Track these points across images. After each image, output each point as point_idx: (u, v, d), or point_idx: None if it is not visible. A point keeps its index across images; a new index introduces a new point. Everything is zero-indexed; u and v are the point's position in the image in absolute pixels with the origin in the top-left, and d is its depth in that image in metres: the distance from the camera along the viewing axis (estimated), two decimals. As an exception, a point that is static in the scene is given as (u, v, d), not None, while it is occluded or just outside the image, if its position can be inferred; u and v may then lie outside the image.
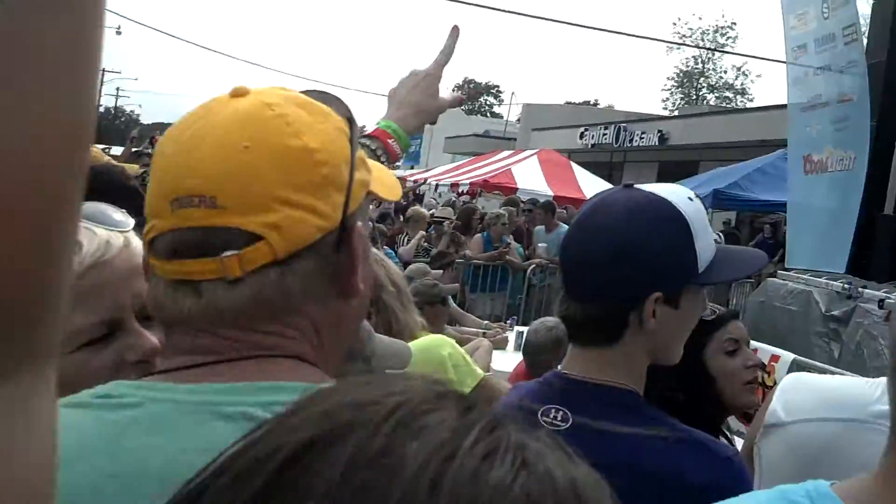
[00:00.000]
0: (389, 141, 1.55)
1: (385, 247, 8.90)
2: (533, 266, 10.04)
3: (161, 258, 0.89)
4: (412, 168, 28.36)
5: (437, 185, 18.90)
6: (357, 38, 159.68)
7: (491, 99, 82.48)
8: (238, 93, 0.94)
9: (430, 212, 12.19)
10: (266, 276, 0.87)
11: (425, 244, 9.70)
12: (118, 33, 46.07)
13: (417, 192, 20.00)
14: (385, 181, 1.10)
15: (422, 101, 1.63)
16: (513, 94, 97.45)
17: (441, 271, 6.78)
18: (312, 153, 0.90)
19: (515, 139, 32.60)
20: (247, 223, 0.86)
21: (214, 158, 0.88)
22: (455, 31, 1.70)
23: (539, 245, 10.36)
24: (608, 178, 19.32)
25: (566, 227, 6.17)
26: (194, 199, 0.86)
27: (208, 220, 0.86)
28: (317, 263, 0.91)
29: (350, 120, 0.98)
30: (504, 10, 15.41)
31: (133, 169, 5.84)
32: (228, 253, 0.86)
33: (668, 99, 61.39)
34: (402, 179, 19.68)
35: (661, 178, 20.67)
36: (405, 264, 7.70)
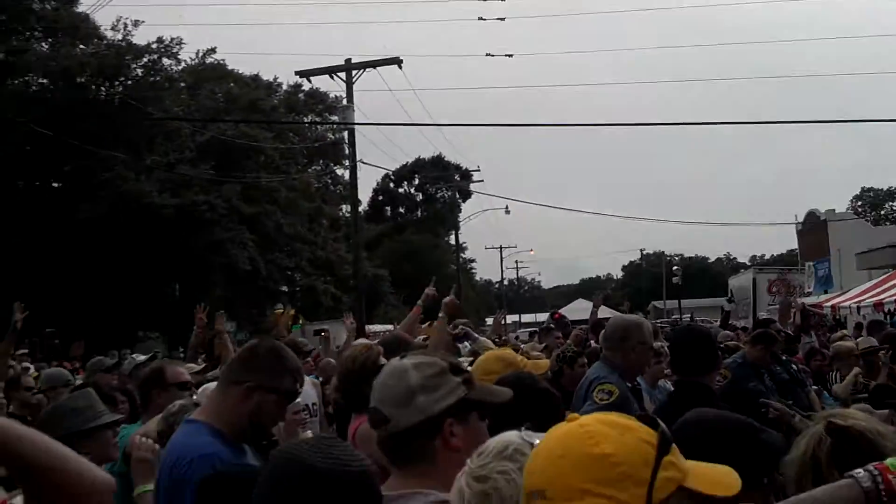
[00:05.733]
0: (889, 476, 1.67)
1: (814, 385, 8.28)
2: None
3: None
4: (825, 293, 25.63)
5: (858, 308, 18.43)
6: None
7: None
8: (570, 419, 1.42)
9: (857, 341, 10.13)
10: None
11: (862, 380, 8.50)
12: (507, 213, 56.18)
13: (832, 318, 18.83)
14: (711, 478, 1.41)
15: None
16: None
17: (886, 411, 5.34)
18: (608, 457, 1.32)
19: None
20: None
21: (544, 465, 1.37)
22: None
23: None
24: None
25: None
26: (535, 493, 1.36)
27: None
28: None
29: (663, 433, 1.37)
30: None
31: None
32: None
33: None
34: (818, 306, 19.42)
35: None
36: (842, 403, 7.52)
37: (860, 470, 1.72)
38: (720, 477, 1.47)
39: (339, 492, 1.56)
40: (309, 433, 4.42)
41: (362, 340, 5.56)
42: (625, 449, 1.34)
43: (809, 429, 2.27)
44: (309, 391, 6.54)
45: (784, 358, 7.32)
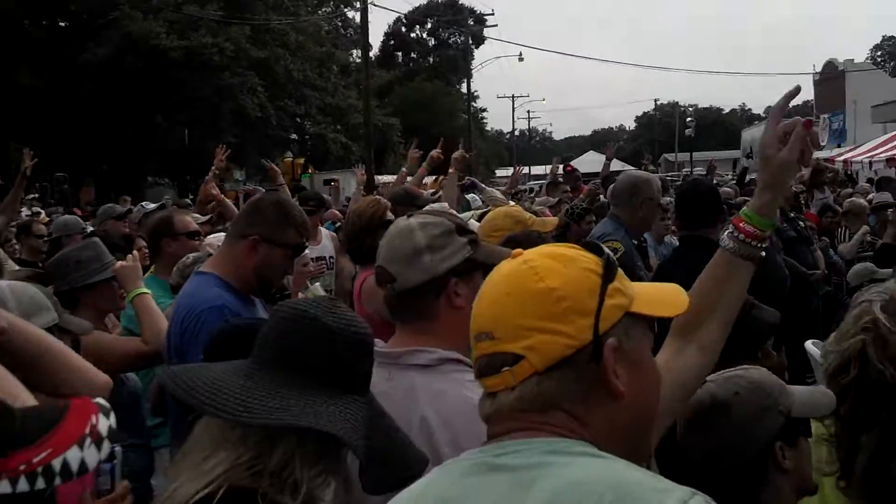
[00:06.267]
0: (741, 224, 1.87)
1: (822, 238, 8.32)
2: None
3: (477, 378, 1.34)
4: (839, 147, 25.46)
5: (870, 163, 17.55)
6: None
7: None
8: (514, 255, 1.38)
9: (869, 198, 10.06)
10: (529, 383, 1.27)
11: (870, 238, 8.41)
12: (520, 60, 53.86)
13: (846, 174, 17.50)
14: (657, 300, 1.39)
15: (767, 177, 1.86)
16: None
17: (890, 269, 5.53)
18: (553, 291, 1.27)
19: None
20: (512, 347, 1.27)
21: (490, 305, 1.33)
22: (793, 93, 1.92)
23: None
24: None
25: None
26: (482, 334, 1.32)
27: (491, 348, 1.30)
28: (573, 372, 1.26)
29: (608, 259, 1.33)
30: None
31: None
32: (505, 369, 1.27)
33: None
34: (830, 160, 18.23)
35: None
36: (847, 263, 7.54)
37: (722, 235, 1.91)
38: (667, 297, 1.43)
39: (350, 351, 1.64)
40: (318, 285, 4.50)
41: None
42: (569, 281, 1.28)
43: (852, 322, 1.79)
44: (327, 244, 6.68)
45: (791, 215, 7.32)
